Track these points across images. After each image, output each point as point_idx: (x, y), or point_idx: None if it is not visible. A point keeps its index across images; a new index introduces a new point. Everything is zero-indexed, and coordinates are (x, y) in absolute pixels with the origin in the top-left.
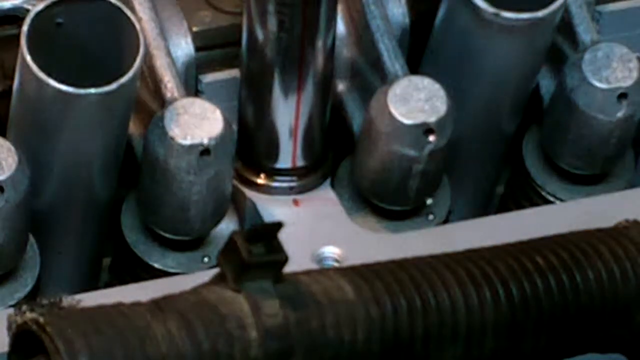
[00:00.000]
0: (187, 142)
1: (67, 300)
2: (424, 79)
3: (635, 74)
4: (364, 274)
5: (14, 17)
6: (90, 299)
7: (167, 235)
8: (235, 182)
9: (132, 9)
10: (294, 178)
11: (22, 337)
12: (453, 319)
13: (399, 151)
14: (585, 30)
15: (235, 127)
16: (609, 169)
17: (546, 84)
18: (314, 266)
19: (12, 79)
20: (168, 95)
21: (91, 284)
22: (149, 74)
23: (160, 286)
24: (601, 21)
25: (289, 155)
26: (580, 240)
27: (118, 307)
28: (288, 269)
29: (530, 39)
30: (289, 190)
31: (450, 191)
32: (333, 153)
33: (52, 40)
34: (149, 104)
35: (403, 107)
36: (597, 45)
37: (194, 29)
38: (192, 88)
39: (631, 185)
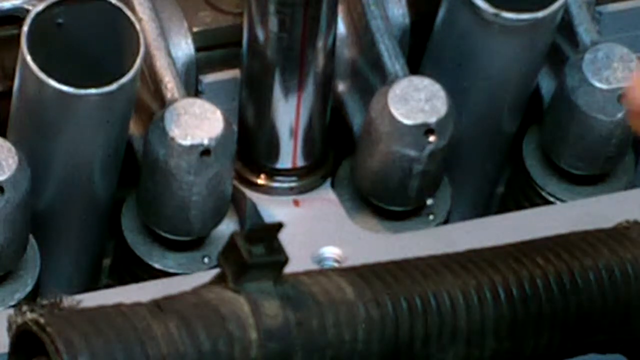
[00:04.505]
0: (188, 142)
1: (67, 301)
2: (424, 80)
3: None
4: (364, 275)
5: (14, 17)
6: (90, 299)
7: (167, 235)
8: (236, 183)
9: (132, 9)
10: (295, 178)
11: (22, 337)
12: (453, 319)
13: (399, 151)
14: (585, 31)
15: (235, 127)
16: (609, 169)
17: (546, 85)
18: (314, 267)
19: (12, 79)
20: (168, 95)
21: (91, 284)
22: (149, 75)
23: (160, 286)
24: (601, 21)
25: (289, 155)
26: (581, 241)
27: (118, 307)
28: (288, 269)
29: (530, 39)
30: (290, 191)
31: (451, 191)
32: (333, 153)
33: (52, 41)
34: (149, 104)
35: (403, 107)
36: (597, 45)
37: (194, 29)
38: (193, 88)
39: (631, 185)
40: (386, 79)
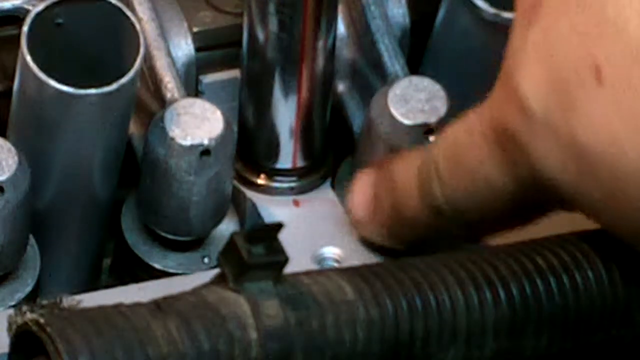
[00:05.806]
0: (188, 142)
1: (67, 301)
2: (424, 80)
3: None
4: (364, 275)
5: (14, 17)
6: (91, 299)
7: (167, 235)
8: (236, 183)
9: (132, 9)
10: (294, 178)
11: (22, 337)
12: (453, 319)
13: (399, 151)
14: None
15: (235, 127)
16: None
17: None
18: (314, 267)
19: (12, 79)
20: (168, 95)
21: (91, 285)
22: (149, 75)
23: (160, 287)
24: None
25: (289, 155)
26: (581, 240)
27: (118, 307)
28: (288, 269)
29: None
30: (289, 191)
31: None
32: (333, 153)
33: (52, 41)
34: (149, 104)
35: (403, 107)
36: None
37: (194, 29)
38: (193, 88)
39: None
40: (386, 79)
